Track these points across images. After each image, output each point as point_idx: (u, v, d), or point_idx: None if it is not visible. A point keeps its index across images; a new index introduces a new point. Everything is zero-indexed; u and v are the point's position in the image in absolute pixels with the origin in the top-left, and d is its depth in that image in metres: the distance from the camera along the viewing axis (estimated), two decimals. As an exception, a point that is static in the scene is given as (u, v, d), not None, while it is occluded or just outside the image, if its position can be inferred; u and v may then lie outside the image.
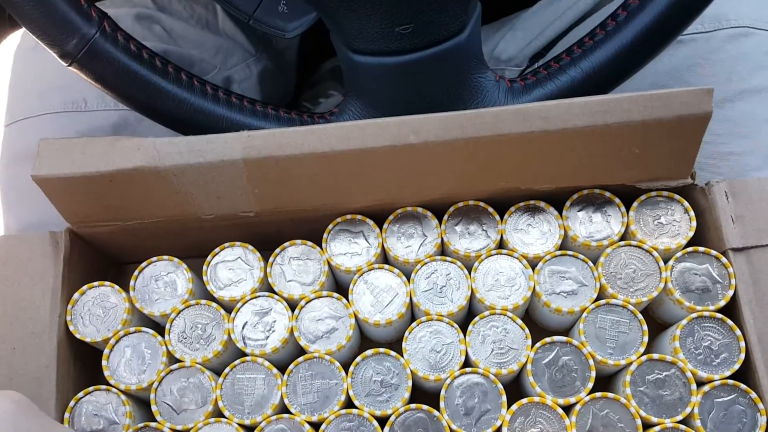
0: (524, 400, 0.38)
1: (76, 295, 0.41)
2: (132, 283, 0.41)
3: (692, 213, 0.41)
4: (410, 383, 0.39)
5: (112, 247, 0.45)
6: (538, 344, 0.39)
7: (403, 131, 0.37)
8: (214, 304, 0.41)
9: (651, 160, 0.39)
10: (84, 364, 0.42)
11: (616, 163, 0.39)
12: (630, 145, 0.38)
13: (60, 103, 0.50)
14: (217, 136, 0.37)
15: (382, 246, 0.42)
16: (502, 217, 0.42)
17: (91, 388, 0.39)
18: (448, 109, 0.37)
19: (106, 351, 0.40)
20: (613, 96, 0.36)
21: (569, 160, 0.38)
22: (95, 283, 0.41)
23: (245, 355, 0.40)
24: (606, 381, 0.41)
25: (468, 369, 0.39)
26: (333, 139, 0.37)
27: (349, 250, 0.42)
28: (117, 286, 0.41)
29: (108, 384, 0.39)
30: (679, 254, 0.40)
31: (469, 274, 0.41)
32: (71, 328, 0.40)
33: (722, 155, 0.47)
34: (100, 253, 0.45)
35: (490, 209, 0.42)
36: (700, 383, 0.38)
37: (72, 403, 0.39)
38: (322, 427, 0.38)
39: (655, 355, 0.38)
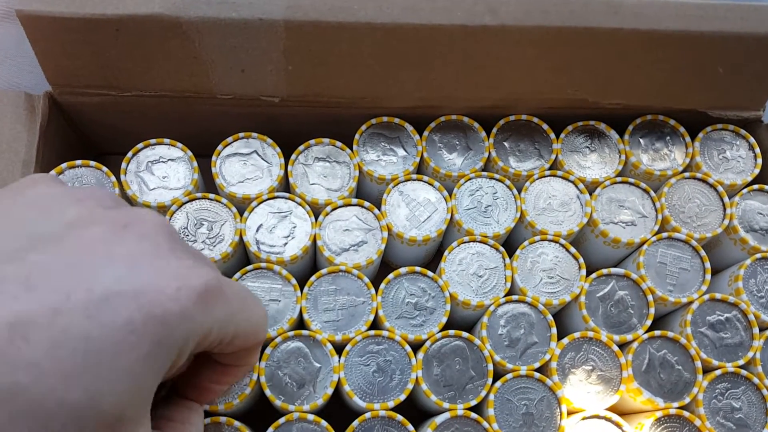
0: (576, 335, 0.34)
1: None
2: (124, 166, 0.34)
3: (758, 150, 0.38)
4: (448, 307, 0.34)
5: (97, 127, 0.37)
6: (593, 275, 0.35)
7: (478, 9, 0.31)
8: (223, 200, 0.34)
9: (730, 83, 0.35)
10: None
11: (695, 83, 0.35)
12: (716, 62, 0.34)
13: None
14: (257, -12, 0.31)
15: (421, 156, 0.37)
16: (557, 137, 0.37)
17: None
18: None
19: (86, 242, 0.33)
20: (710, 1, 0.33)
21: (649, 72, 0.34)
22: (77, 162, 0.34)
23: (257, 261, 0.34)
24: (655, 322, 0.38)
25: (514, 297, 0.34)
26: (396, 9, 0.31)
27: (383, 156, 0.37)
28: (105, 168, 0.34)
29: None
30: (744, 191, 0.37)
31: (519, 194, 0.36)
32: (43, 212, 0.33)
33: None
34: (80, 135, 0.38)
35: (545, 126, 0.38)
36: (762, 328, 0.35)
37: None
38: (347, 348, 0.32)
39: (718, 295, 0.35)
